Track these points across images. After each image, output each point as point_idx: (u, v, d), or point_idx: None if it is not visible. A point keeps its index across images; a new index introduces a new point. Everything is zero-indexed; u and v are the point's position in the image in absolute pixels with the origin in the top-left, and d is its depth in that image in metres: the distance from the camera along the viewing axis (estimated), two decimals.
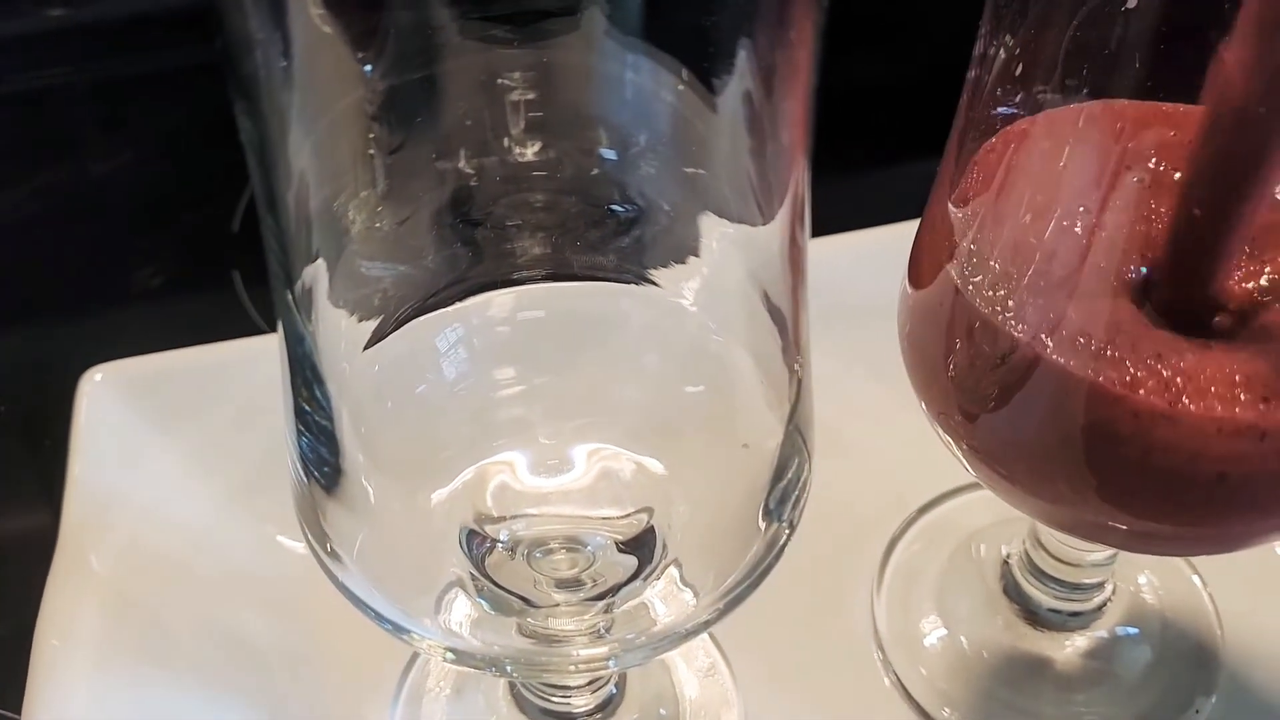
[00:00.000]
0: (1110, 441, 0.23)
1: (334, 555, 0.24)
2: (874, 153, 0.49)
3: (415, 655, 0.35)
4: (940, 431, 0.28)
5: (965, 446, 0.27)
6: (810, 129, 0.21)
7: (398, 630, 0.25)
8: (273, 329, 0.46)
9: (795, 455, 0.25)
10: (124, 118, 0.55)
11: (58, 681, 0.31)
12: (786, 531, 0.25)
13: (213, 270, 0.49)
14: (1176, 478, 0.23)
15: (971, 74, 0.25)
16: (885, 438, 0.39)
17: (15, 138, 0.55)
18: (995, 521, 0.38)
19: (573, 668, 0.27)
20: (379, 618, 0.25)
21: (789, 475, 0.25)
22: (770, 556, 0.26)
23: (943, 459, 0.39)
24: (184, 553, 0.36)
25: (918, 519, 0.38)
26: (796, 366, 0.24)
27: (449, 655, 0.25)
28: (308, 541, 0.25)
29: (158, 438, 0.37)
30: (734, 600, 0.26)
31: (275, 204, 0.21)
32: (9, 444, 0.44)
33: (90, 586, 0.33)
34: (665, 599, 0.27)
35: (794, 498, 0.25)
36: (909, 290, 0.29)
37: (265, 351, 0.38)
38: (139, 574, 0.34)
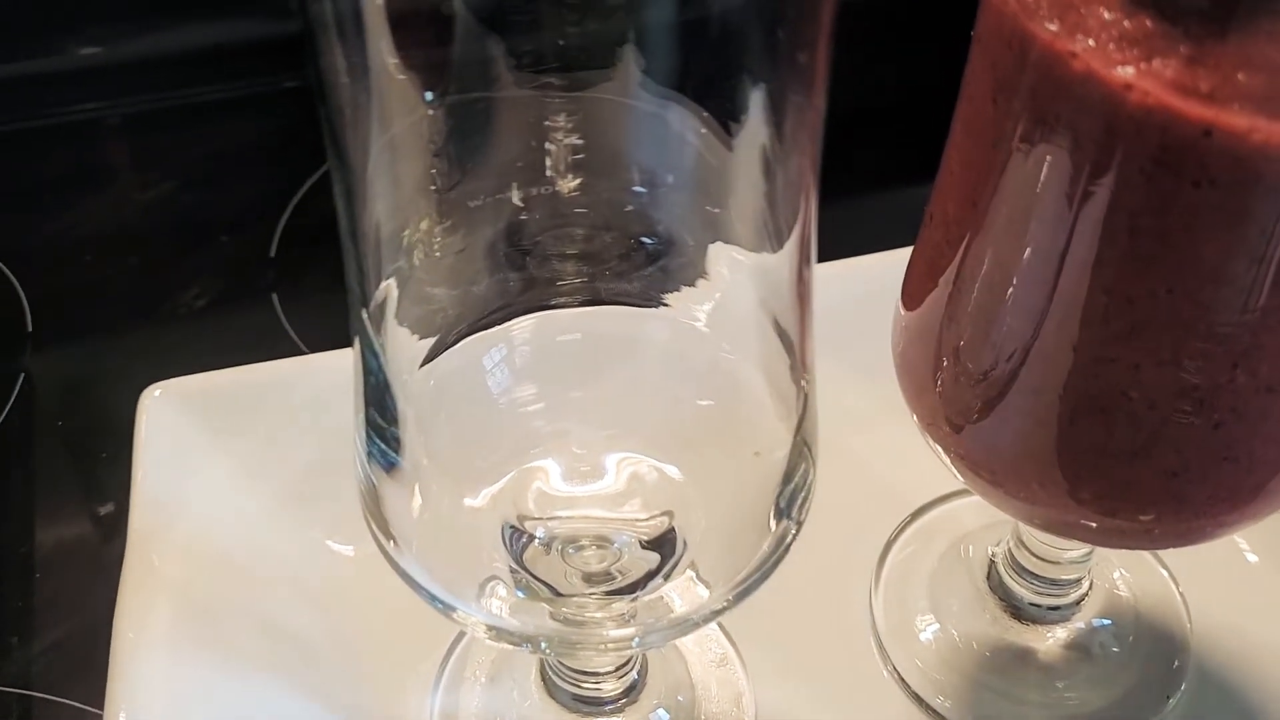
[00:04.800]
0: (1086, 448, 0.26)
1: (394, 542, 0.27)
2: (865, 179, 0.52)
3: (453, 648, 0.38)
4: (930, 440, 0.31)
5: (952, 454, 0.30)
6: (818, 170, 0.24)
7: (446, 609, 0.28)
8: (311, 349, 0.50)
9: (802, 462, 0.28)
10: (162, 149, 0.59)
11: (135, 668, 0.34)
12: (794, 529, 0.28)
13: (253, 292, 0.52)
14: (1134, 464, 0.26)
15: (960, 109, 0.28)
16: (880, 448, 0.42)
17: (59, 168, 0.58)
18: (982, 525, 0.41)
19: (601, 646, 0.30)
20: (431, 598, 0.28)
21: (796, 479, 0.28)
22: (779, 552, 0.29)
23: (932, 468, 0.42)
24: (239, 554, 0.39)
25: (911, 523, 0.42)
26: (803, 383, 0.27)
27: (490, 632, 0.28)
28: (371, 530, 0.28)
29: (211, 449, 0.40)
30: (745, 591, 0.29)
31: (356, 231, 0.24)
32: (67, 457, 0.47)
33: (158, 584, 0.36)
34: (683, 591, 0.31)
35: (800, 499, 0.28)
36: (901, 312, 0.32)
37: (309, 370, 0.42)
38: (200, 573, 0.37)
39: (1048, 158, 0.24)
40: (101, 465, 0.47)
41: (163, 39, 0.59)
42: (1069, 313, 0.25)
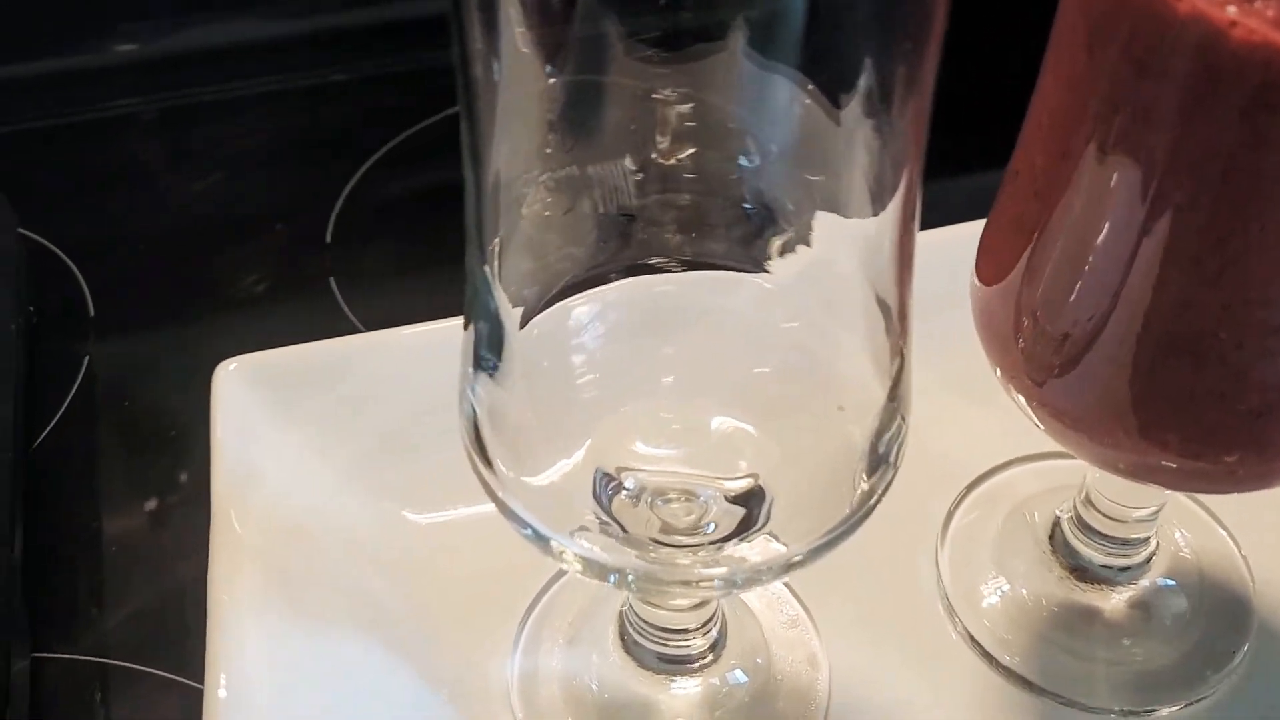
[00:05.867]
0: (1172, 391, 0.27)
1: (496, 475, 0.29)
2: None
3: (528, 613, 0.39)
4: (1012, 392, 0.32)
5: (1036, 404, 0.31)
6: (925, 137, 0.25)
7: (541, 540, 0.29)
8: (369, 328, 0.50)
9: (895, 419, 0.29)
10: (216, 140, 0.60)
11: (229, 632, 0.35)
12: (891, 473, 0.29)
13: (310, 278, 0.53)
14: (1220, 406, 0.27)
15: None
16: (937, 418, 0.43)
17: (116, 159, 0.59)
18: (1043, 490, 0.42)
19: (688, 582, 0.31)
20: (529, 529, 0.29)
21: (890, 433, 0.29)
22: (869, 504, 0.30)
23: (990, 436, 0.43)
24: (317, 523, 0.40)
25: (972, 489, 0.42)
26: (902, 346, 0.28)
27: (581, 564, 0.29)
28: (473, 464, 0.29)
29: (286, 422, 0.41)
30: (832, 542, 0.30)
31: (479, 188, 0.25)
32: (132, 437, 0.48)
33: (245, 552, 0.37)
34: (765, 546, 0.31)
35: (896, 448, 0.29)
36: (978, 275, 0.33)
37: (378, 346, 0.43)
38: (281, 541, 0.38)
39: (1145, 102, 0.24)
40: (168, 444, 0.47)
41: (218, 31, 0.60)
42: (1160, 256, 0.26)
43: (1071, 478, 0.41)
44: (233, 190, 0.57)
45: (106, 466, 0.47)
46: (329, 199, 0.56)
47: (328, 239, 0.54)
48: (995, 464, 0.43)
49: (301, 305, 0.52)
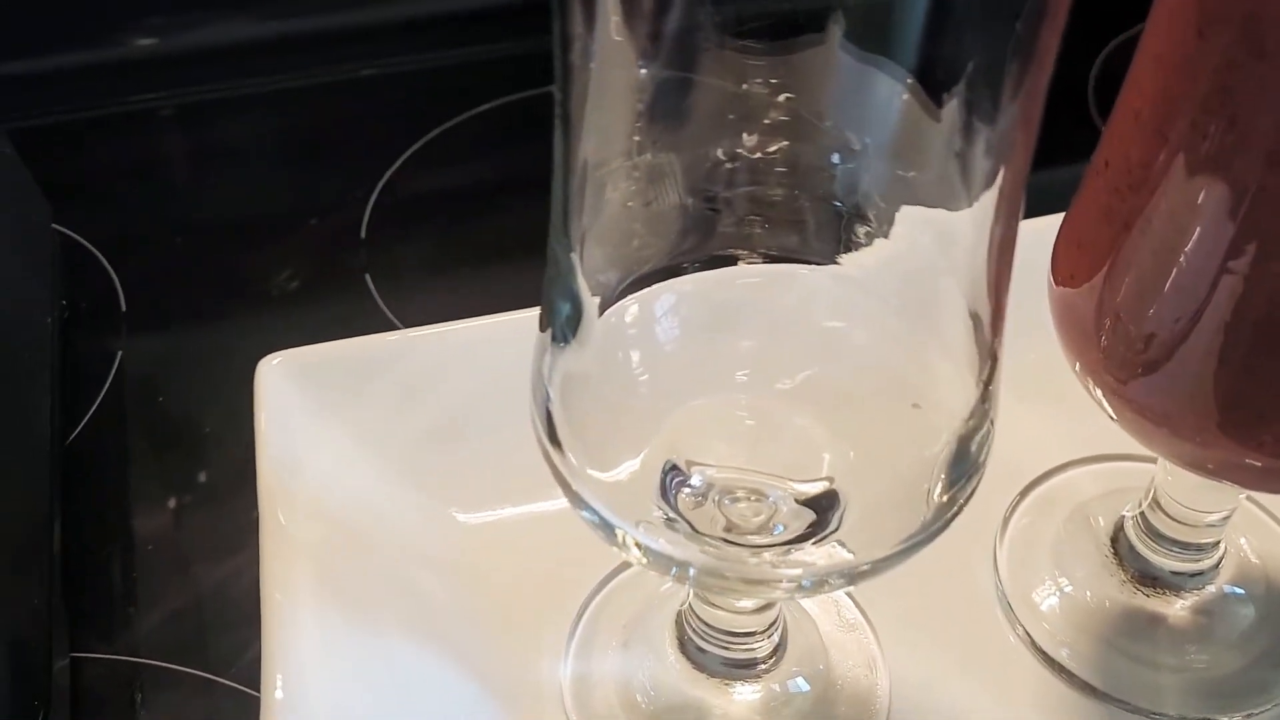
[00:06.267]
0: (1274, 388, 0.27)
1: (567, 462, 0.28)
2: None
3: (580, 614, 0.38)
4: (1092, 388, 0.31)
5: (1119, 400, 0.30)
6: (1035, 136, 0.24)
7: (606, 528, 0.29)
8: (405, 325, 0.50)
9: (988, 418, 0.29)
10: (248, 134, 0.59)
11: (286, 628, 0.34)
12: (978, 478, 0.28)
13: (346, 274, 0.52)
14: None
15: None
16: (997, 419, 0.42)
17: (148, 153, 0.58)
18: (1102, 492, 0.41)
19: (750, 581, 0.30)
20: (595, 514, 0.29)
21: (983, 430, 0.28)
22: (954, 509, 0.29)
23: (1045, 438, 0.43)
24: (364, 523, 0.39)
25: (1029, 491, 0.42)
26: (995, 346, 0.28)
27: (649, 554, 0.29)
28: (546, 455, 0.29)
29: (331, 419, 0.40)
30: (907, 551, 0.30)
31: (569, 174, 0.24)
32: (166, 434, 0.47)
33: (295, 550, 0.36)
34: (834, 552, 0.31)
35: (987, 447, 0.28)
36: (1055, 273, 0.32)
37: (423, 342, 0.42)
38: (329, 540, 0.37)
39: (1259, 86, 0.24)
40: (202, 441, 0.47)
41: (254, 25, 0.60)
42: (1266, 246, 0.25)
43: (1132, 480, 0.40)
44: (266, 185, 0.56)
45: (139, 463, 0.46)
46: (364, 194, 0.55)
47: (362, 234, 0.53)
48: (1052, 465, 0.42)
49: (336, 301, 0.51)
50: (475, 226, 0.54)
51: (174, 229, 0.54)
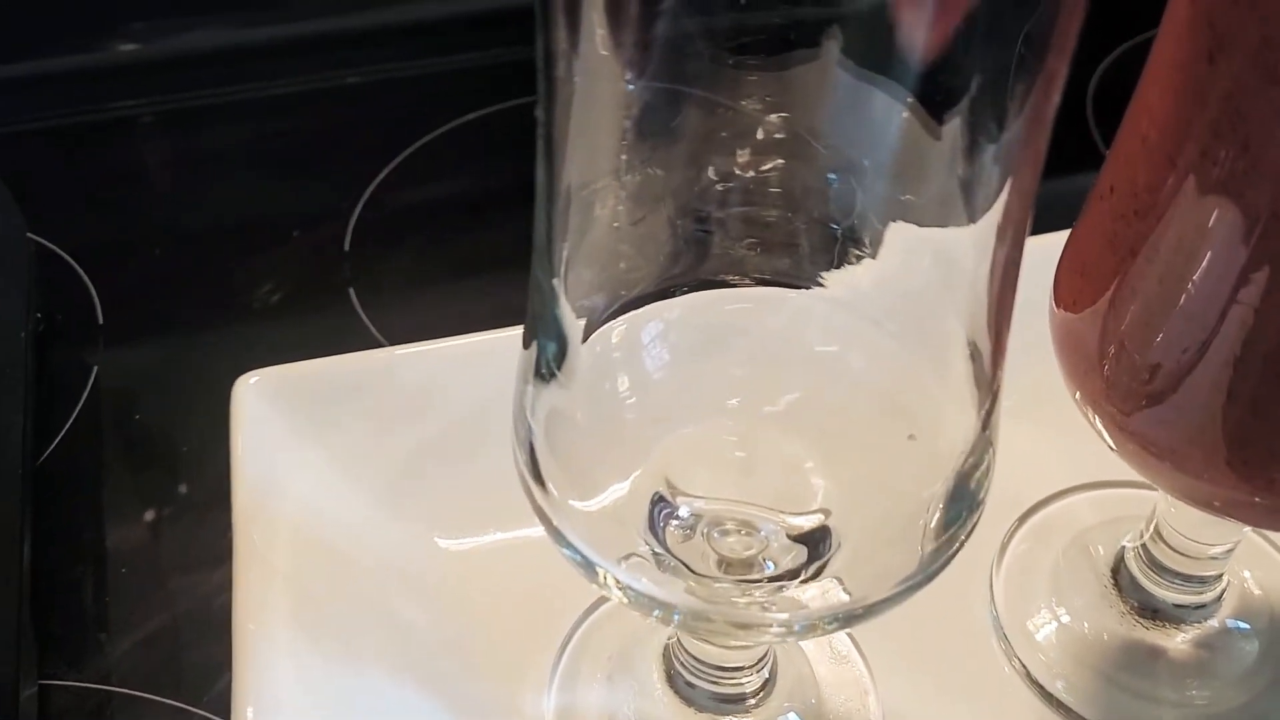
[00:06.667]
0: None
1: (549, 497, 0.27)
2: None
3: (565, 644, 0.37)
4: (1094, 420, 0.30)
5: (1122, 433, 0.29)
6: (1042, 159, 0.23)
7: (589, 567, 0.28)
8: (393, 343, 0.49)
9: (989, 449, 0.27)
10: (231, 144, 0.58)
11: (259, 658, 0.33)
12: (978, 513, 0.27)
13: (329, 288, 0.51)
14: None
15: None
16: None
17: (127, 163, 0.57)
18: (1101, 521, 0.40)
19: (738, 625, 0.29)
20: (576, 552, 0.27)
21: (984, 464, 0.27)
22: (954, 546, 0.28)
23: (1043, 463, 0.42)
24: (343, 547, 0.38)
25: (1027, 519, 0.41)
26: (996, 376, 0.26)
27: (631, 595, 0.28)
28: (527, 491, 0.28)
29: (309, 440, 0.39)
30: (905, 593, 0.28)
31: (552, 196, 0.23)
32: (142, 452, 0.46)
33: (270, 577, 0.35)
34: (828, 591, 0.29)
35: (988, 481, 0.27)
36: (1057, 299, 0.31)
37: (405, 361, 0.41)
38: (307, 566, 0.36)
39: (1273, 113, 0.23)
40: (178, 462, 0.45)
41: (232, 31, 0.58)
42: (1277, 277, 0.24)
43: (1133, 509, 0.39)
44: (248, 196, 0.55)
45: (114, 482, 0.45)
46: (348, 205, 0.54)
47: (346, 247, 0.52)
48: (1052, 491, 0.41)
49: (319, 316, 0.50)
50: (463, 239, 0.53)
51: (153, 240, 0.53)
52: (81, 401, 0.47)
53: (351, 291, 0.50)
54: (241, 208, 0.55)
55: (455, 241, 0.53)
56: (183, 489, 0.45)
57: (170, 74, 0.58)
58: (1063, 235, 0.32)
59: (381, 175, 0.55)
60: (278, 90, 0.59)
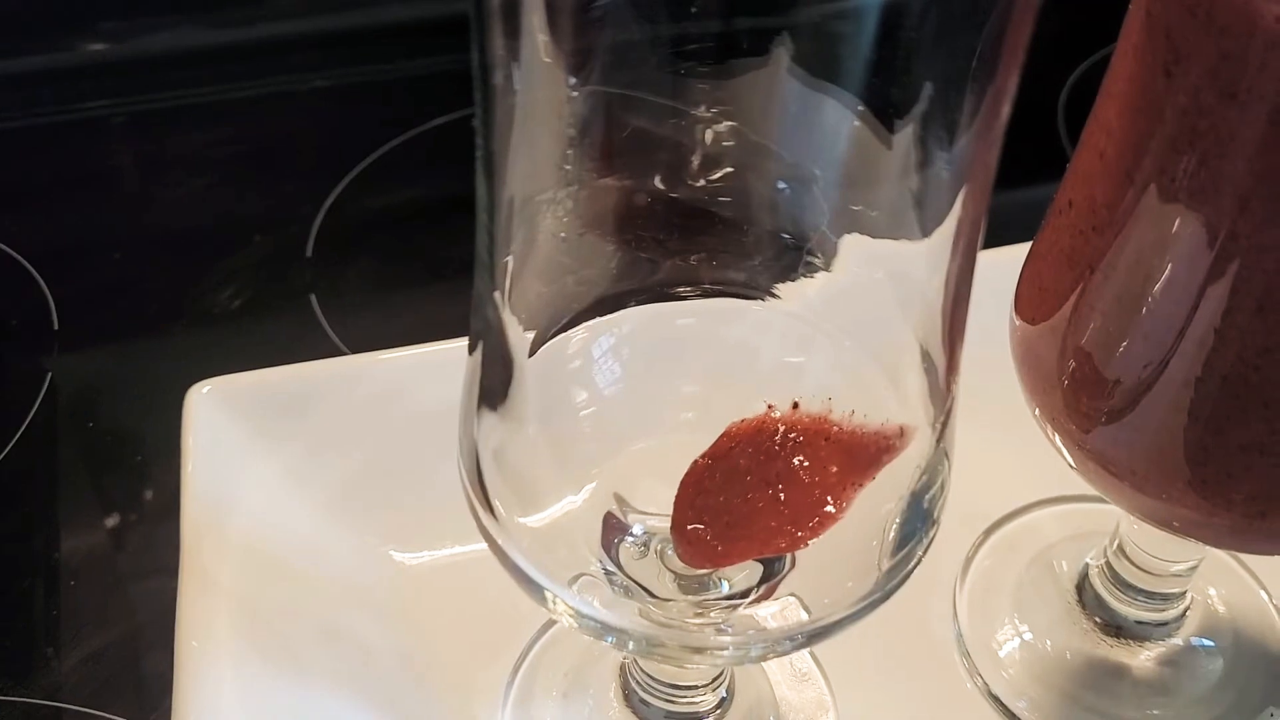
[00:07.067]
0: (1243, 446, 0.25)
1: (495, 519, 0.26)
2: None
3: (520, 661, 0.36)
4: (1054, 437, 0.30)
5: (1081, 451, 0.29)
6: (994, 168, 0.23)
7: (537, 590, 0.27)
8: (353, 351, 0.48)
9: (944, 460, 0.27)
10: (193, 146, 0.57)
11: (202, 677, 0.32)
12: (934, 530, 0.27)
13: (290, 294, 0.50)
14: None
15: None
16: (958, 457, 0.41)
17: (86, 164, 0.56)
18: (1066, 536, 0.40)
19: (691, 649, 0.28)
20: (525, 578, 0.27)
21: (939, 479, 0.27)
22: (909, 566, 0.28)
23: (1009, 477, 0.41)
24: (295, 561, 0.37)
25: (991, 534, 0.40)
26: (951, 386, 0.26)
27: (581, 620, 0.27)
28: (471, 505, 0.27)
29: (263, 450, 0.39)
30: (861, 612, 0.28)
31: (494, 205, 0.22)
32: (96, 461, 0.45)
33: (216, 592, 0.34)
34: (786, 608, 0.29)
35: (943, 495, 0.27)
36: (1017, 312, 0.31)
37: (363, 369, 0.40)
38: (256, 580, 0.35)
39: (1228, 130, 0.22)
40: (134, 470, 0.45)
41: (193, 34, 0.58)
42: (1236, 299, 0.24)
43: (1098, 523, 0.38)
44: (208, 200, 0.54)
45: (67, 491, 0.44)
46: (310, 210, 0.53)
47: (308, 253, 0.52)
48: (1016, 506, 0.41)
49: (280, 322, 0.49)
50: (427, 246, 0.53)
51: (110, 243, 0.52)
52: (35, 408, 0.46)
53: (313, 298, 0.50)
54: (203, 211, 0.54)
55: (419, 249, 0.52)
56: (137, 499, 0.44)
57: (134, 76, 0.57)
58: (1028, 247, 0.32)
59: (346, 180, 0.54)
60: (243, 93, 0.58)
